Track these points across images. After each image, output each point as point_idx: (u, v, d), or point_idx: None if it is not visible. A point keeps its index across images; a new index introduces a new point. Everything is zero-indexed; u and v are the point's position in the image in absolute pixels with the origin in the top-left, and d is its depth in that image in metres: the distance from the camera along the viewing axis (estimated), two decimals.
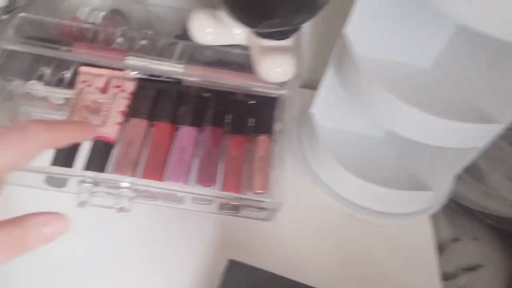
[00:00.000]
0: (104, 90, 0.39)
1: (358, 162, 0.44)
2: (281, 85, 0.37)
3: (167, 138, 0.39)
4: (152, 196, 0.37)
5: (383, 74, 0.38)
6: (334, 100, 0.45)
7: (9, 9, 0.38)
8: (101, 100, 0.38)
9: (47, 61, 0.40)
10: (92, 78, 0.40)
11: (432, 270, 0.43)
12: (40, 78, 0.40)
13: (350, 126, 0.49)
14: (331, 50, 0.40)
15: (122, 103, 0.39)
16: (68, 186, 0.36)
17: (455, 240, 0.54)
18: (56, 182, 0.36)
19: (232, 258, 0.35)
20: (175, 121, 0.40)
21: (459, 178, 0.56)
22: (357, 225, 0.43)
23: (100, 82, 0.40)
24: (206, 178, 0.37)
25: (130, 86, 0.40)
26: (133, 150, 0.37)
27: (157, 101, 0.40)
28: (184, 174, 0.37)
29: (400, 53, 0.40)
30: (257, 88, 0.37)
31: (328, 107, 0.46)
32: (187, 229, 0.39)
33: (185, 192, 0.35)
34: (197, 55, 0.39)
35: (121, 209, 0.36)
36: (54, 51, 0.37)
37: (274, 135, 0.41)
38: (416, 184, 0.45)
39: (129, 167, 0.36)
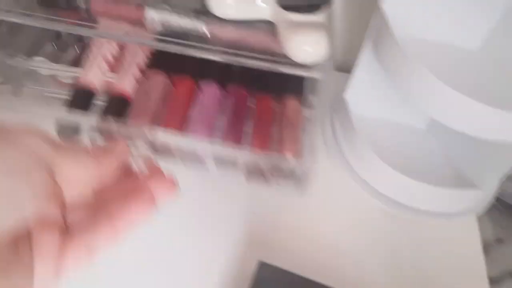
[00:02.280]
0: (122, 47, 0.39)
1: (397, 154, 0.41)
2: (312, 66, 0.34)
3: (188, 94, 0.38)
4: (172, 153, 0.35)
5: (427, 56, 0.35)
6: (371, 85, 0.41)
7: None
8: (118, 55, 0.38)
9: (54, 35, 0.39)
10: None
11: (480, 274, 0.40)
12: (46, 54, 0.39)
13: (389, 115, 0.45)
14: (367, 28, 0.37)
15: (140, 58, 0.38)
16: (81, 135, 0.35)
17: (499, 241, 0.51)
18: (69, 131, 0.35)
19: (261, 260, 0.33)
20: (197, 77, 0.38)
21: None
22: (396, 224, 0.41)
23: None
24: (232, 137, 0.36)
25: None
26: (152, 103, 0.36)
27: (178, 57, 0.38)
28: (208, 129, 0.35)
29: (446, 34, 0.36)
30: (284, 68, 0.34)
31: (364, 93, 0.42)
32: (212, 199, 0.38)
33: (208, 148, 0.34)
34: (216, 32, 0.37)
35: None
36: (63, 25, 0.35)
37: (305, 98, 0.39)
38: (462, 182, 0.41)
39: (147, 119, 0.34)
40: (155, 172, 0.21)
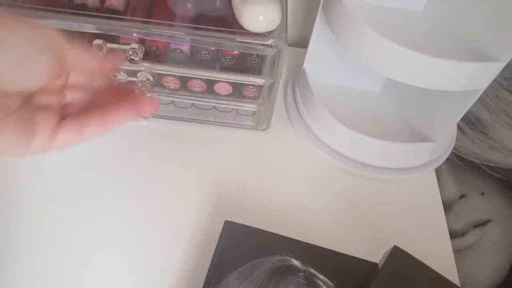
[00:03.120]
0: None
1: (355, 116, 0.45)
2: (267, 35, 0.37)
3: None
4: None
5: (375, 18, 0.38)
6: (326, 55, 0.45)
7: None
8: None
9: None
10: None
11: (441, 227, 0.44)
12: None
13: (345, 82, 0.49)
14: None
15: None
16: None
17: (462, 196, 0.55)
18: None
19: (227, 219, 0.36)
20: None
21: (462, 132, 0.57)
22: (358, 182, 0.44)
23: None
24: None
25: None
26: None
27: None
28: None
29: None
30: (241, 38, 0.37)
31: (321, 62, 0.46)
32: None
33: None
34: (177, 10, 0.39)
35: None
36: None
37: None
38: (417, 136, 0.46)
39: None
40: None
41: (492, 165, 0.54)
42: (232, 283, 0.33)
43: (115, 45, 0.38)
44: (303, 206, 0.42)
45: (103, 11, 0.38)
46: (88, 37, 0.39)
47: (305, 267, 0.34)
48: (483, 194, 0.54)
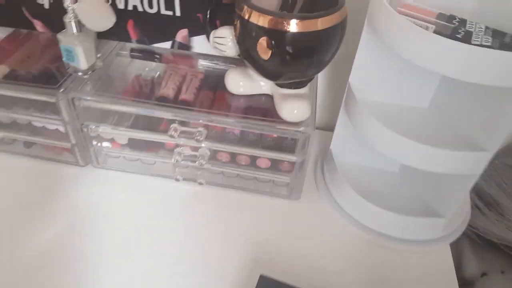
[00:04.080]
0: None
1: (374, 192, 0.54)
2: (299, 123, 0.49)
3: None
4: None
5: (384, 113, 0.49)
6: (348, 139, 0.56)
7: (90, 70, 0.55)
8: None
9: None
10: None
11: None
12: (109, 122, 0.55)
13: (367, 161, 0.59)
14: (342, 96, 0.53)
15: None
16: None
17: (484, 274, 0.60)
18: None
19: (262, 274, 0.45)
20: None
21: (482, 213, 0.63)
22: (378, 250, 0.52)
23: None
24: None
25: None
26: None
27: None
28: None
29: (400, 97, 0.52)
30: (280, 126, 0.49)
31: (345, 144, 0.57)
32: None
33: None
34: (232, 103, 0.53)
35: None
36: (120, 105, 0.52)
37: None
38: (429, 212, 0.53)
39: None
40: None
41: (510, 245, 0.59)
42: None
43: (186, 129, 0.52)
44: (327, 268, 0.50)
45: (178, 103, 0.53)
46: (165, 122, 0.54)
47: None
48: (503, 272, 0.58)
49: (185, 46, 0.59)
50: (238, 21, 0.46)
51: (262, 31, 0.44)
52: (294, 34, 0.43)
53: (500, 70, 0.36)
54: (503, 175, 0.63)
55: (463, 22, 0.42)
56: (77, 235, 0.52)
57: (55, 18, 0.53)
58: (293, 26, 0.43)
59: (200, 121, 0.51)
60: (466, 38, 0.40)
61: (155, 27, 0.58)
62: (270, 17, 0.43)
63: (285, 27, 0.43)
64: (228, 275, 0.48)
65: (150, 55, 0.61)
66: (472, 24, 0.42)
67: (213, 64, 0.60)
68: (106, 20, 0.50)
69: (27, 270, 0.48)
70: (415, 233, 0.52)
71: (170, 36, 0.59)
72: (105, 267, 0.49)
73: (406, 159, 0.46)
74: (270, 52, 0.45)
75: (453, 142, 0.46)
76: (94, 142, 0.57)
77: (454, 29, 0.41)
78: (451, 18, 0.42)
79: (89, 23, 0.49)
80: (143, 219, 0.54)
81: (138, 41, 0.60)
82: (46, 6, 0.59)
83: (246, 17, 0.44)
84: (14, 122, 0.60)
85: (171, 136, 0.52)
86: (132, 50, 0.61)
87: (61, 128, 0.57)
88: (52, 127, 0.58)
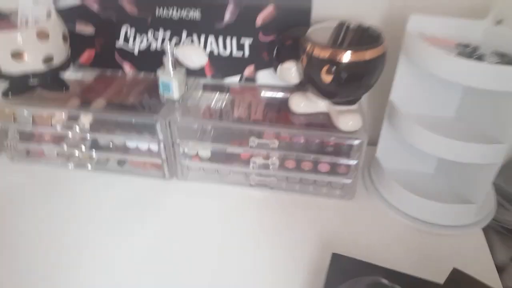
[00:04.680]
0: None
1: (416, 188, 0.67)
2: (354, 133, 0.63)
3: None
4: None
5: (421, 121, 0.63)
6: (391, 147, 0.70)
7: (180, 99, 0.70)
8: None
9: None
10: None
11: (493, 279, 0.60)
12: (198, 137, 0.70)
13: (408, 165, 0.73)
14: (383, 112, 0.68)
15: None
16: None
17: None
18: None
19: (334, 252, 0.57)
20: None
21: (505, 208, 0.75)
22: (422, 236, 0.64)
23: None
24: None
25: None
26: None
27: None
28: None
29: (431, 109, 0.67)
30: (337, 135, 0.64)
31: (388, 153, 0.71)
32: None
33: None
34: (294, 120, 0.68)
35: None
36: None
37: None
38: (464, 200, 0.66)
39: None
40: None
41: None
42: None
43: (262, 140, 0.66)
44: (384, 254, 0.62)
45: (251, 121, 0.68)
46: (238, 140, 0.68)
47: (391, 284, 0.53)
48: None
49: (251, 79, 0.75)
50: (305, 55, 0.62)
51: (324, 61, 0.59)
52: (348, 63, 0.59)
53: (507, 78, 0.51)
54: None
55: (475, 48, 0.57)
56: (165, 239, 0.64)
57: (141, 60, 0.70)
58: (347, 56, 0.58)
59: (273, 132, 0.66)
60: (480, 59, 0.55)
61: (226, 65, 0.74)
62: (330, 50, 0.59)
63: (342, 58, 0.58)
64: (301, 260, 0.61)
65: (221, 88, 0.76)
66: (482, 49, 0.57)
67: (272, 94, 0.76)
68: (201, 59, 0.66)
69: (124, 269, 0.59)
70: (453, 219, 0.65)
71: (239, 72, 0.75)
72: (191, 266, 0.60)
73: (442, 153, 0.60)
74: (331, 77, 0.60)
75: (476, 137, 0.60)
76: (182, 157, 0.71)
77: (469, 53, 0.57)
78: (466, 46, 0.58)
79: (189, 62, 0.64)
80: (222, 221, 0.67)
81: (212, 77, 0.76)
82: (136, 53, 0.76)
83: (311, 51, 0.60)
84: (113, 146, 0.74)
85: (251, 147, 0.66)
86: (204, 85, 0.77)
87: (153, 147, 0.71)
88: (144, 147, 0.73)
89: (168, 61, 0.66)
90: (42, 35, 0.64)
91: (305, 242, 0.63)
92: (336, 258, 0.56)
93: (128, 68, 0.78)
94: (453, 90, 0.65)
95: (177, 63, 0.67)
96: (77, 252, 0.61)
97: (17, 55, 0.64)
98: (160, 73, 0.68)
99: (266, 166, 0.69)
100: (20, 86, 0.71)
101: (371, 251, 0.61)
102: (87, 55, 0.78)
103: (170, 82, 0.67)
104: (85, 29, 0.76)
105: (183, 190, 0.72)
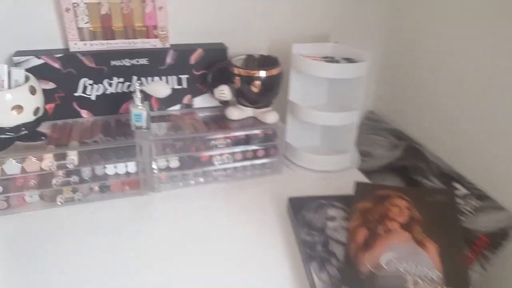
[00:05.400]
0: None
1: (311, 151, 1.05)
2: (276, 124, 0.97)
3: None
4: None
5: (308, 106, 1.03)
6: (295, 131, 1.07)
7: (148, 127, 0.90)
8: None
9: None
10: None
11: None
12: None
13: (305, 142, 1.11)
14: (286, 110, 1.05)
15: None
16: None
17: None
18: None
19: (290, 196, 0.88)
20: None
21: (363, 161, 1.22)
22: (318, 180, 1.02)
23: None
24: None
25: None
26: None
27: None
28: None
29: (313, 99, 1.07)
30: (263, 126, 0.97)
31: (292, 134, 1.07)
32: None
33: None
34: (232, 125, 0.97)
35: None
36: None
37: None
38: (341, 151, 1.08)
39: None
40: None
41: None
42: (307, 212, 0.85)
43: (217, 142, 0.94)
44: (308, 188, 0.97)
45: (207, 131, 0.94)
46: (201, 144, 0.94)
47: (329, 202, 0.88)
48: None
49: (189, 106, 1.01)
50: (237, 77, 0.93)
51: (253, 78, 0.93)
52: (265, 77, 0.94)
53: (352, 70, 0.95)
54: (365, 135, 1.24)
55: (332, 57, 1.01)
56: (160, 245, 0.85)
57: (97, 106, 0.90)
58: (264, 73, 0.93)
59: (223, 135, 0.94)
60: (337, 62, 0.98)
61: (169, 98, 0.99)
62: (254, 71, 0.93)
63: (261, 74, 0.93)
64: (268, 212, 0.90)
65: (164, 117, 1.00)
66: (335, 58, 1.01)
67: (205, 114, 1.03)
68: (167, 90, 0.89)
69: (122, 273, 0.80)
70: (337, 165, 1.05)
71: (179, 101, 1.00)
72: (191, 259, 0.84)
73: (323, 122, 1.00)
74: (258, 89, 0.93)
75: (341, 109, 1.02)
76: (156, 172, 0.91)
77: (330, 60, 1.00)
78: (326, 57, 1.01)
79: (157, 93, 0.87)
80: (203, 215, 0.91)
81: (158, 109, 0.99)
82: (93, 98, 0.93)
83: (243, 74, 0.93)
84: (94, 176, 0.88)
85: (215, 146, 0.92)
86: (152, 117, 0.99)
87: (132, 169, 0.89)
88: (122, 171, 0.89)
89: (138, 97, 0.88)
90: (33, 90, 0.77)
91: (266, 205, 0.93)
92: (292, 200, 0.88)
93: (85, 115, 0.94)
94: (324, 84, 1.09)
95: (143, 98, 0.89)
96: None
97: (17, 108, 0.76)
98: (132, 107, 0.88)
99: (223, 161, 0.96)
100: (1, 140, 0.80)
101: (304, 193, 0.96)
102: (47, 108, 0.91)
103: (142, 112, 0.88)
104: (47, 85, 0.89)
105: (161, 200, 0.92)
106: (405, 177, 1.11)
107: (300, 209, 0.84)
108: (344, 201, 0.86)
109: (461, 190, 0.91)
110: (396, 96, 1.22)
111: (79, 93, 0.93)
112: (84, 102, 0.94)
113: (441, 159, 1.02)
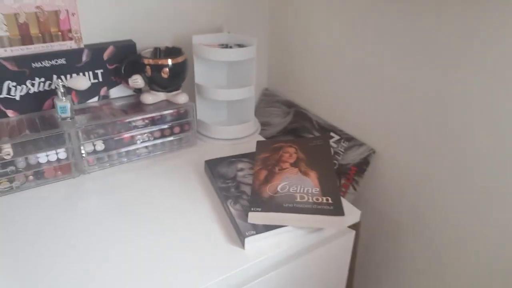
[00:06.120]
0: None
1: (219, 123, 1.26)
2: (186, 103, 1.16)
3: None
4: None
5: (212, 86, 1.24)
6: (203, 109, 1.27)
7: (73, 117, 1.04)
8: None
9: None
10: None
11: None
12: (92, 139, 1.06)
13: (213, 118, 1.32)
14: (194, 91, 1.24)
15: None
16: None
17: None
18: None
19: (207, 159, 1.09)
20: None
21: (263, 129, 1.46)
22: (232, 145, 1.24)
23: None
24: None
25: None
26: None
27: None
28: None
29: (218, 81, 1.28)
30: (180, 106, 1.15)
31: (202, 111, 1.27)
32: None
33: None
34: (147, 109, 1.14)
35: None
36: None
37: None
38: (245, 121, 1.31)
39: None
40: None
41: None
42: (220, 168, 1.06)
43: (138, 123, 1.10)
44: (220, 153, 1.18)
45: (127, 115, 1.10)
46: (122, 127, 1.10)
47: (231, 159, 1.10)
48: None
49: (106, 97, 1.15)
50: (148, 66, 1.10)
51: (162, 66, 1.10)
52: (173, 64, 1.12)
53: (242, 53, 1.17)
54: (263, 109, 1.48)
55: (227, 44, 1.22)
56: (102, 222, 1.00)
57: (22, 104, 1.01)
58: (170, 61, 1.12)
59: (140, 117, 1.11)
60: (230, 47, 1.20)
61: (87, 91, 1.12)
62: (163, 59, 1.10)
63: (169, 62, 1.11)
64: (190, 176, 1.09)
65: (84, 110, 1.13)
66: (230, 44, 1.23)
67: (122, 103, 1.18)
68: (87, 83, 1.03)
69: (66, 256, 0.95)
70: (243, 132, 1.28)
71: (97, 94, 1.14)
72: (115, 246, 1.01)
73: (226, 98, 1.22)
74: (167, 74, 1.11)
75: (239, 86, 1.25)
76: (84, 155, 1.04)
77: (225, 47, 1.21)
78: (222, 44, 1.22)
79: (79, 86, 1.01)
80: (138, 191, 1.07)
81: (78, 103, 1.12)
82: (17, 98, 1.03)
83: (152, 63, 1.10)
84: (29, 165, 0.99)
85: (135, 127, 1.08)
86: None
87: (62, 155, 1.02)
88: (53, 158, 1.01)
89: (61, 91, 1.00)
90: None
91: (186, 170, 1.13)
92: (208, 162, 1.09)
93: (11, 114, 1.04)
94: (224, 67, 1.30)
95: (66, 93, 1.02)
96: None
97: None
98: (57, 101, 1.01)
99: (144, 140, 1.12)
100: None
101: (217, 155, 1.16)
102: None
103: (66, 105, 1.01)
104: None
105: (92, 180, 1.06)
106: (297, 136, 1.38)
107: (215, 166, 1.05)
108: (249, 156, 1.09)
109: (335, 136, 1.20)
110: (284, 73, 1.48)
111: (3, 95, 1.03)
112: (9, 102, 1.04)
113: (320, 117, 1.30)
